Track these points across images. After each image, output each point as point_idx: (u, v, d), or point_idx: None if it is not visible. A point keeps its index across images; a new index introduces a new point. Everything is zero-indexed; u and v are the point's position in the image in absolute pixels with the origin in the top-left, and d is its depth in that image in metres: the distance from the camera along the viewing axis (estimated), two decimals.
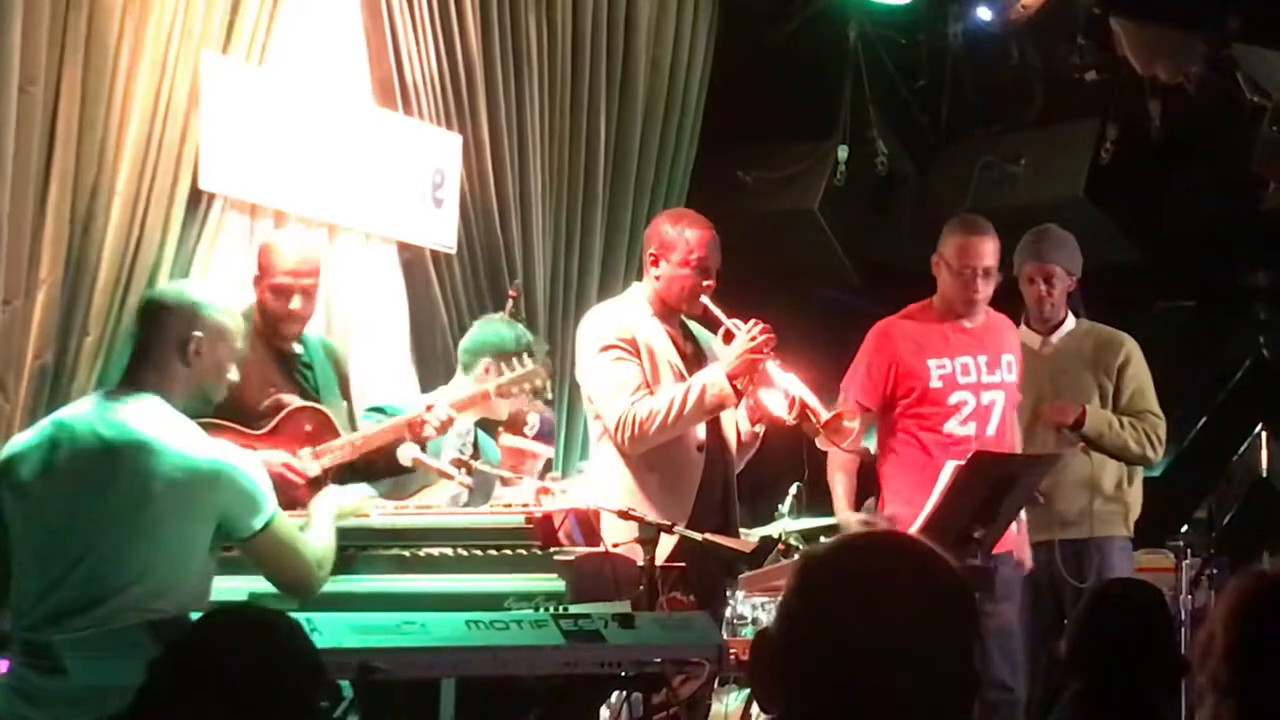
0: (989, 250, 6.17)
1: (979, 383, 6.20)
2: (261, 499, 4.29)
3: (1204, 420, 9.77)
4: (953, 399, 6.13)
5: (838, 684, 1.92)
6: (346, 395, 5.88)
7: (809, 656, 1.94)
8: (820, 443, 5.64)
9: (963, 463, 5.48)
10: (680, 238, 5.55)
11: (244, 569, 4.67)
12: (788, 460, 7.01)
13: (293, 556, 4.41)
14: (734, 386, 5.41)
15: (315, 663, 2.85)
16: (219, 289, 4.75)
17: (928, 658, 1.92)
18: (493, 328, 6.12)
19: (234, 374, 4.46)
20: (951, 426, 6.10)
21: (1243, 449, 9.88)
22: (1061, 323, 6.74)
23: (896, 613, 1.93)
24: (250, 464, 4.35)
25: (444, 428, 5.46)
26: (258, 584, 4.64)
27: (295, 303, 5.56)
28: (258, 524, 4.27)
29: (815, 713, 1.93)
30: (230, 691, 2.69)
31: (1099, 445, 6.51)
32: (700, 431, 5.52)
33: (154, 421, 4.17)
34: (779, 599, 2.03)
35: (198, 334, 4.26)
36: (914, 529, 5.26)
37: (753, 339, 5.38)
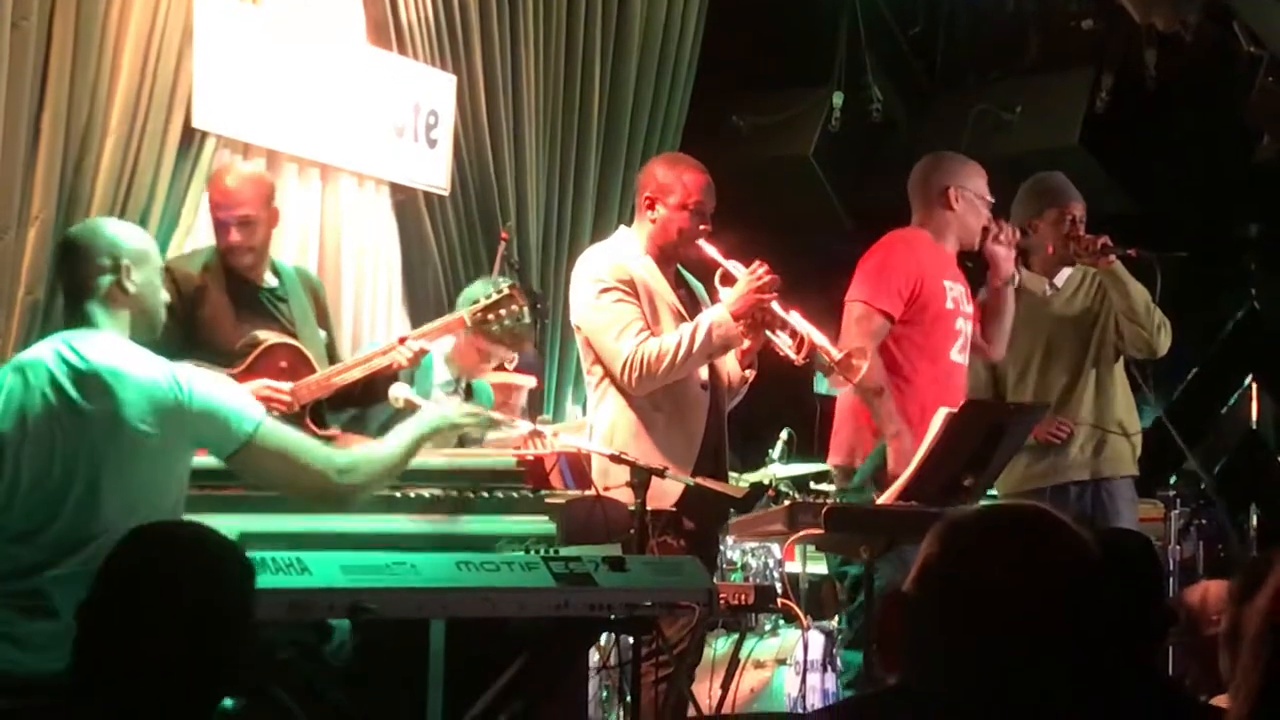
0: None
1: (968, 311, 6.14)
2: (233, 414, 4.20)
3: (1195, 372, 9.79)
4: (956, 324, 6.03)
5: (975, 650, 1.93)
6: (325, 325, 5.83)
7: (950, 621, 1.95)
8: (831, 381, 5.60)
9: (955, 410, 5.46)
10: (678, 181, 5.52)
11: (233, 508, 4.67)
12: (778, 406, 7.01)
13: (288, 464, 4.28)
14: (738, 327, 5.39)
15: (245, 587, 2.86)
16: (123, 222, 4.75)
17: (1069, 631, 1.94)
18: (486, 286, 6.09)
19: (165, 295, 4.44)
20: (955, 355, 6.01)
21: (1233, 401, 9.91)
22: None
23: (1045, 584, 1.94)
24: (213, 383, 4.29)
25: (415, 359, 5.43)
26: (248, 523, 4.63)
27: (234, 235, 5.55)
28: (241, 435, 4.20)
29: (952, 677, 1.95)
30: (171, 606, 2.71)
31: (1122, 282, 6.42)
32: (704, 371, 5.51)
33: (116, 354, 4.14)
34: (917, 561, 2.02)
35: (126, 261, 4.25)
36: (905, 476, 5.26)
37: (757, 279, 5.36)
